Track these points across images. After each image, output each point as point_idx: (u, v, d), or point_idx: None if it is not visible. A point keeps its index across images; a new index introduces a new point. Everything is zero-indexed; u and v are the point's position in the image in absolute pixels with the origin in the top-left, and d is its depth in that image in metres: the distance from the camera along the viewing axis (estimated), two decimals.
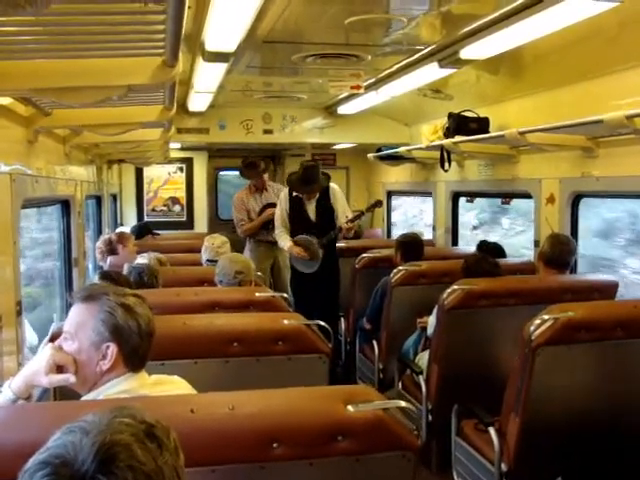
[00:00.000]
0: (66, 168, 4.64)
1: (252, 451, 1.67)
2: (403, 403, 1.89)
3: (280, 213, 6.16)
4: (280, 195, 6.29)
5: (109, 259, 5.18)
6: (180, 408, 1.70)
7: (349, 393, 1.81)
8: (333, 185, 6.12)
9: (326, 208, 6.01)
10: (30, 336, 3.79)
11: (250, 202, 7.25)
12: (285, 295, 3.38)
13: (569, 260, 4.20)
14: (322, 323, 2.80)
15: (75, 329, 1.94)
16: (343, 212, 6.02)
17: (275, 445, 1.67)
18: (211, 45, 3.75)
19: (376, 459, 1.75)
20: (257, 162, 7.22)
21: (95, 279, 3.83)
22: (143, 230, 7.11)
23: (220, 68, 4.44)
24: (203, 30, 3.50)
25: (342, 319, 5.88)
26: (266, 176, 7.41)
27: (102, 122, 3.51)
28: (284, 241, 6.10)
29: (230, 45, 3.77)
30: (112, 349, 1.91)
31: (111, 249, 5.47)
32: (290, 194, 6.10)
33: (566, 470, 2.71)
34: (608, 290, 3.93)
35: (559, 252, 4.15)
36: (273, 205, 6.67)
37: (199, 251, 4.97)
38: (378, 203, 6.51)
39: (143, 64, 2.16)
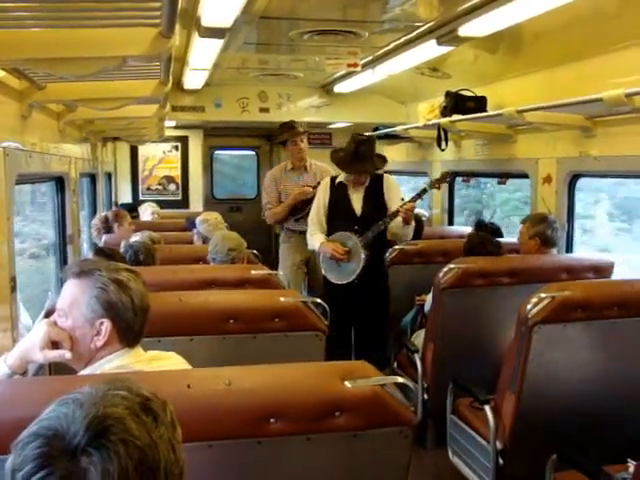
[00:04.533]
0: (60, 145, 4.59)
1: (249, 426, 1.67)
2: (400, 379, 1.89)
3: (317, 207, 4.93)
4: (320, 184, 5.05)
5: (104, 237, 5.17)
6: (177, 383, 1.69)
7: (346, 369, 1.81)
8: (388, 175, 5.04)
9: (376, 200, 4.80)
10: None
11: (283, 182, 5.70)
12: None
13: (557, 238, 4.22)
14: (319, 300, 2.79)
15: (68, 306, 1.92)
16: None
17: (272, 420, 1.67)
18: (207, 20, 3.69)
19: (373, 435, 1.75)
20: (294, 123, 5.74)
21: (90, 256, 3.81)
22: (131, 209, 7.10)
23: (216, 44, 4.38)
24: (199, 5, 3.45)
25: None
26: (304, 148, 5.67)
27: (97, 96, 3.47)
28: (316, 241, 4.85)
29: (226, 20, 3.71)
30: (106, 325, 1.90)
31: (107, 227, 5.46)
32: (332, 182, 4.94)
33: (561, 448, 2.71)
34: (604, 269, 3.93)
35: (552, 231, 4.16)
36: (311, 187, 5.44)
37: None
38: (447, 175, 5.07)
39: (139, 35, 2.12)
